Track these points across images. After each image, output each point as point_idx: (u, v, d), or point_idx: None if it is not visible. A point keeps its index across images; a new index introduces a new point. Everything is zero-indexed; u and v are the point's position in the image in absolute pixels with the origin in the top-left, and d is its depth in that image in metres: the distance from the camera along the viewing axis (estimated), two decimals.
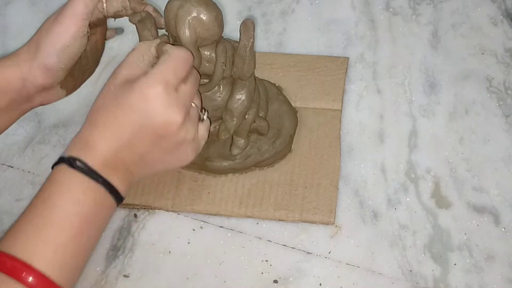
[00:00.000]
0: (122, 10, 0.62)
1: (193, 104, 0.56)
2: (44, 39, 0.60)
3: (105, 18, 0.63)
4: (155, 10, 0.61)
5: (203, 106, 0.59)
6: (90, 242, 0.53)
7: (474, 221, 0.64)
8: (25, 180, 0.69)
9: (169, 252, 0.64)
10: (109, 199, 0.54)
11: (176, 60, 0.54)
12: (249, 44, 0.58)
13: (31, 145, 0.71)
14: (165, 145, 0.55)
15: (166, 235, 0.64)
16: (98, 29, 0.65)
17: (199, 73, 0.58)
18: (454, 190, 0.66)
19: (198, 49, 0.57)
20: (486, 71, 0.74)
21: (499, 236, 0.63)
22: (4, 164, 0.70)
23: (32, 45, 0.61)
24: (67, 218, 0.51)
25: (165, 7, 0.57)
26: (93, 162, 0.53)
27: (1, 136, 0.63)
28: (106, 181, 0.53)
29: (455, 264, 0.62)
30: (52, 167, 0.54)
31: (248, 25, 0.57)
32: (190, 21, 0.55)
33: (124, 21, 0.65)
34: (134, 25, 0.61)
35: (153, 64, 0.55)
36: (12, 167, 0.70)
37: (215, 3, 0.57)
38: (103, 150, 0.53)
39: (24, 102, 0.62)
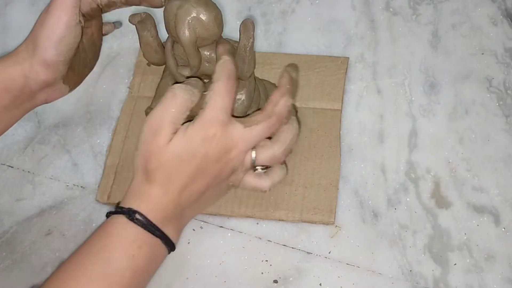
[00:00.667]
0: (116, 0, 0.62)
1: (253, 155, 0.56)
2: (39, 34, 0.60)
3: (99, 9, 0.63)
4: None
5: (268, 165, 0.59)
6: None
7: (474, 221, 0.64)
8: (25, 180, 0.69)
9: None
10: (164, 250, 0.55)
11: (223, 92, 0.54)
12: (249, 44, 0.58)
13: (31, 145, 0.71)
14: (216, 182, 0.56)
15: None
16: (93, 22, 0.65)
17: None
18: (454, 190, 0.66)
19: (198, 49, 0.57)
20: (486, 71, 0.74)
21: (499, 236, 0.63)
22: (4, 164, 0.70)
23: (29, 42, 0.61)
24: (119, 272, 0.51)
25: (165, 8, 0.57)
26: (153, 215, 0.53)
27: (1, 136, 0.64)
28: (164, 234, 0.54)
29: (455, 264, 0.62)
30: (107, 215, 0.55)
31: (247, 25, 0.57)
32: (190, 21, 0.55)
33: (121, 14, 0.65)
34: (134, 26, 0.61)
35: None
36: (12, 167, 0.70)
37: (215, 3, 0.57)
38: (163, 203, 0.54)
39: (28, 100, 0.62)
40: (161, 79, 0.64)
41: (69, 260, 0.52)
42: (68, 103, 0.69)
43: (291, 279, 0.62)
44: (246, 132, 0.55)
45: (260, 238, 0.64)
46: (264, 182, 0.59)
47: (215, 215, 0.65)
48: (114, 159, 0.69)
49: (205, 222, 0.65)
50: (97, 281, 0.51)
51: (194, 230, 0.65)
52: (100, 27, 0.67)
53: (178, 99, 0.54)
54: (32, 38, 0.60)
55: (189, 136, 0.53)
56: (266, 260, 0.63)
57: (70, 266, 0.52)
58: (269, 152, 0.57)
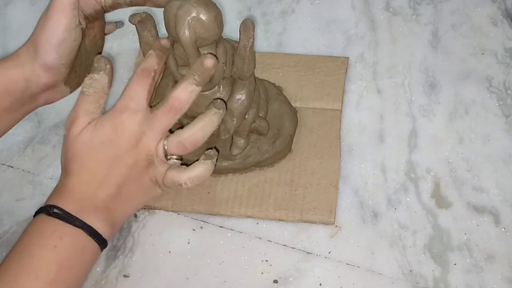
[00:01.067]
0: (120, 0, 0.62)
1: (165, 143, 0.57)
2: (39, 37, 0.60)
3: (102, 11, 0.63)
4: None
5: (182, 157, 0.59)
6: (71, 287, 0.53)
7: (474, 221, 0.64)
8: (25, 180, 0.69)
9: (169, 252, 0.64)
10: (91, 242, 0.54)
11: (136, 82, 0.56)
12: (249, 44, 0.58)
13: (31, 145, 0.71)
14: (133, 174, 0.56)
15: (166, 235, 0.64)
16: (96, 23, 0.65)
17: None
18: (454, 190, 0.66)
19: (198, 49, 0.57)
20: (486, 71, 0.74)
21: (499, 236, 0.63)
22: (4, 164, 0.70)
23: (30, 45, 0.60)
24: (43, 265, 0.51)
25: (164, 8, 0.57)
26: (71, 206, 0.53)
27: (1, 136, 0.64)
28: (86, 224, 0.53)
29: (455, 264, 0.62)
30: (34, 217, 0.55)
31: (247, 25, 0.57)
32: (190, 21, 0.55)
33: (123, 14, 0.65)
34: (134, 26, 0.61)
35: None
36: (12, 167, 0.70)
37: (215, 3, 0.57)
38: (81, 193, 0.54)
39: (29, 102, 0.62)
40: (161, 79, 0.64)
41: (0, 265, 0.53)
42: (68, 103, 0.69)
43: (291, 279, 0.62)
44: (150, 117, 0.56)
45: (260, 238, 0.64)
46: (180, 175, 0.57)
47: (215, 215, 0.65)
48: None
49: (205, 222, 0.65)
50: (22, 277, 0.50)
51: (194, 230, 0.65)
52: (102, 28, 0.67)
53: (85, 94, 0.57)
54: (32, 41, 0.60)
55: (99, 125, 0.55)
56: (266, 260, 0.63)
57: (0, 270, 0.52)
58: (176, 139, 0.57)
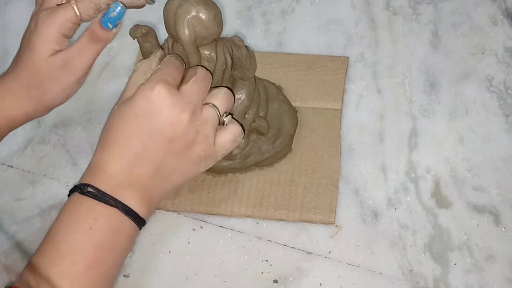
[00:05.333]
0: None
1: (211, 105, 0.55)
2: (46, 86, 0.60)
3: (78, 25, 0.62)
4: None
5: (230, 111, 0.57)
6: (110, 270, 0.51)
7: (474, 221, 0.64)
8: (25, 180, 0.69)
9: (169, 252, 0.63)
10: (127, 222, 0.52)
11: (170, 64, 0.55)
12: (243, 57, 0.59)
13: (31, 145, 0.71)
14: (176, 148, 0.53)
15: (166, 235, 0.64)
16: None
17: (211, 73, 0.57)
18: (454, 190, 0.66)
19: (198, 48, 0.57)
20: (486, 71, 0.74)
21: (499, 236, 0.63)
22: (4, 164, 0.70)
23: (32, 87, 0.60)
24: (79, 249, 0.50)
25: (164, 7, 0.57)
26: (106, 185, 0.51)
27: None
28: (120, 202, 0.51)
29: (455, 264, 0.62)
30: (69, 196, 0.53)
31: (237, 43, 0.58)
32: (189, 20, 0.55)
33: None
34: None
35: None
36: (12, 167, 0.70)
37: (214, 2, 0.57)
38: (115, 170, 0.52)
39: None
40: None
41: (37, 249, 0.51)
42: (68, 103, 0.69)
43: (291, 279, 0.62)
44: (189, 90, 0.54)
45: (260, 238, 0.64)
46: (234, 128, 0.56)
47: (215, 215, 0.65)
48: None
49: (205, 222, 0.65)
50: (58, 263, 0.49)
51: (194, 230, 0.65)
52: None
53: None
54: (34, 84, 0.60)
55: (133, 96, 0.53)
56: (266, 260, 0.63)
57: (37, 253, 0.50)
58: (219, 96, 0.55)
